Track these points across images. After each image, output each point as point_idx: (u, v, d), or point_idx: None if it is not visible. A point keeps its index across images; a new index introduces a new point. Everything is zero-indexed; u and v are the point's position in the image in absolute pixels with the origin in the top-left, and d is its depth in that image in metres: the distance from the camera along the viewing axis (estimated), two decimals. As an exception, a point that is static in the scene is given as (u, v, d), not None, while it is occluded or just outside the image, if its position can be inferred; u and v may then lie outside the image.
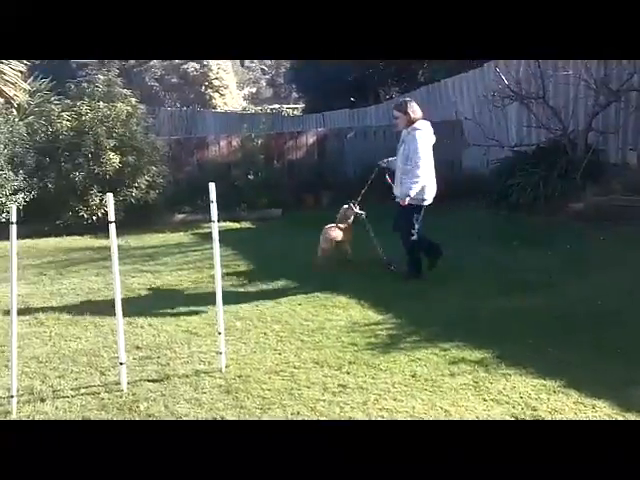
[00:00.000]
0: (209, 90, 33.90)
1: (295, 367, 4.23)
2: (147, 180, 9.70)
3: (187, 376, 4.12)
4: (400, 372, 4.09)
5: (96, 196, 9.12)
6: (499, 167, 10.07)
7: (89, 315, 5.41)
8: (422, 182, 6.02)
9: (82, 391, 3.93)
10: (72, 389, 3.96)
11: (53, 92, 11.64)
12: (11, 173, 8.72)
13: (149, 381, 4.05)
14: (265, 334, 4.89)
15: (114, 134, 9.48)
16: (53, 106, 9.89)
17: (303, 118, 19.65)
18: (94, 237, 8.88)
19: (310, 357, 4.39)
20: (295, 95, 30.19)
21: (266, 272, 6.68)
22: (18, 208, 8.67)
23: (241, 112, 26.24)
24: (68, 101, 10.03)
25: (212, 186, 4.11)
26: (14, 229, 3.59)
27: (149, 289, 6.18)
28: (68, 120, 9.41)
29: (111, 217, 3.91)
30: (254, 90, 44.18)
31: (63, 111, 9.61)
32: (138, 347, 4.60)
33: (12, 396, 3.66)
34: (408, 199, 6.04)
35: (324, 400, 3.74)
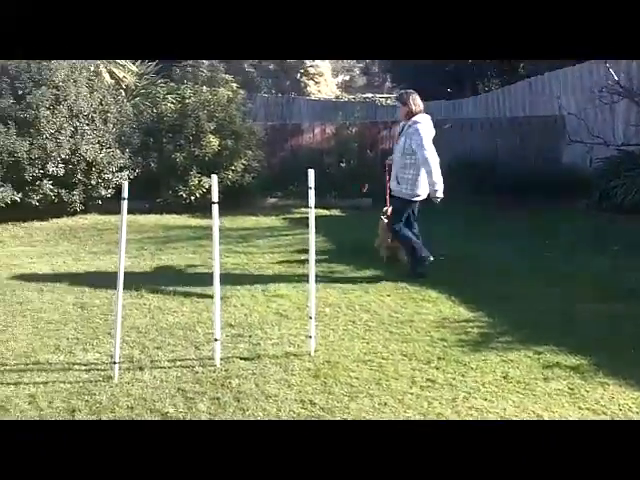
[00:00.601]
0: (304, 78, 34.13)
1: (383, 358, 4.24)
2: (243, 164, 9.93)
3: (277, 357, 4.22)
4: (491, 372, 4.03)
5: (195, 177, 9.42)
6: (603, 166, 9.68)
7: (185, 290, 5.62)
8: (437, 173, 5.91)
9: (178, 363, 4.09)
10: (168, 361, 4.13)
11: (159, 75, 12.05)
12: (118, 151, 9.12)
13: (241, 359, 4.17)
14: (353, 322, 4.93)
15: (214, 118, 9.75)
16: (159, 89, 10.27)
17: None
18: (191, 216, 9.21)
19: (398, 349, 4.40)
20: (389, 84, 29.96)
21: (355, 260, 6.72)
22: (119, 185, 9.10)
23: (334, 100, 26.30)
24: (173, 84, 10.39)
25: (311, 173, 4.17)
26: (125, 205, 3.77)
27: (242, 270, 6.34)
28: (172, 103, 9.75)
29: (214, 198, 4.03)
30: (347, 78, 44.14)
31: (168, 94, 9.97)
32: (231, 325, 4.74)
33: (115, 362, 3.86)
34: (397, 194, 6.15)
35: (412, 393, 3.74)
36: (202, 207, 9.40)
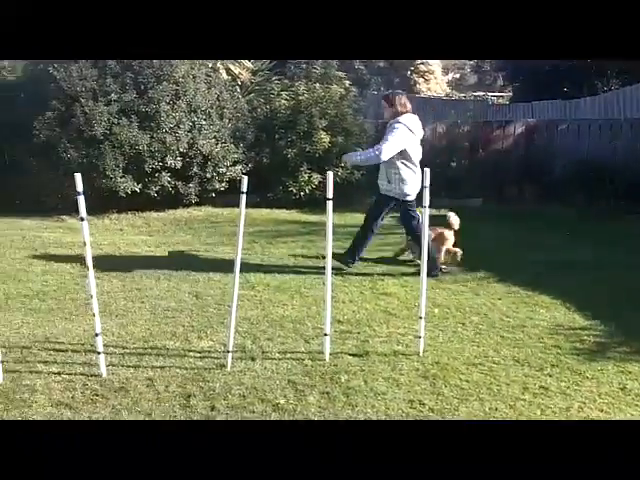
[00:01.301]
0: (414, 75, 33.81)
1: (494, 362, 4.14)
2: (353, 161, 9.96)
3: (385, 355, 4.20)
4: (607, 383, 3.84)
5: (305, 173, 9.55)
6: None
7: (295, 284, 5.71)
8: (367, 161, 6.13)
9: (288, 355, 4.16)
10: (279, 352, 4.21)
11: (273, 72, 12.29)
12: (233, 146, 9.39)
13: (349, 355, 4.18)
14: (463, 324, 4.83)
15: (326, 115, 9.84)
16: (273, 85, 10.47)
17: (510, 107, 18.95)
18: (300, 212, 9.35)
19: (510, 354, 4.27)
20: (500, 83, 29.13)
21: (464, 262, 6.59)
22: (238, 179, 9.36)
23: (444, 98, 25.89)
24: (287, 81, 10.57)
25: (427, 171, 4.12)
26: (244, 198, 3.86)
27: (352, 267, 6.36)
28: (286, 99, 9.92)
29: (329, 194, 4.06)
30: (458, 76, 43.29)
31: (282, 90, 10.15)
32: (339, 321, 4.77)
33: (228, 351, 3.97)
34: (386, 192, 6.17)
35: (524, 400, 3.62)
36: (310, 203, 9.53)
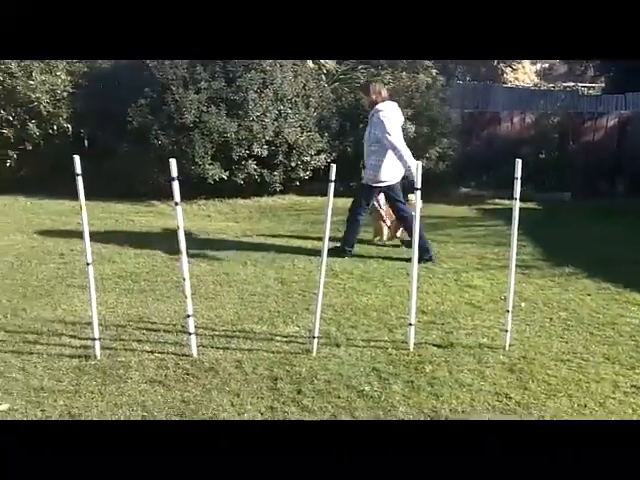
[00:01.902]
0: (501, 64, 32.95)
1: (583, 359, 4.03)
2: (438, 151, 9.86)
3: (470, 347, 4.16)
4: None
5: (389, 162, 9.51)
6: None
7: (378, 274, 5.73)
8: (408, 155, 6.01)
9: (372, 344, 4.18)
10: (363, 340, 4.24)
11: (359, 61, 12.25)
12: (317, 135, 9.45)
13: (434, 345, 4.17)
14: (551, 319, 4.72)
15: (412, 104, 9.76)
16: (359, 74, 10.46)
17: (601, 98, 18.22)
18: (384, 201, 9.32)
19: (600, 351, 4.15)
20: (591, 73, 28.00)
21: (552, 256, 6.44)
22: (322, 168, 9.44)
23: (533, 88, 25.12)
24: (373, 70, 10.53)
25: (518, 163, 4.03)
26: (332, 186, 3.90)
27: (436, 258, 6.31)
28: (371, 88, 9.88)
29: (417, 184, 4.04)
30: (547, 66, 41.91)
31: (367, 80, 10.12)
32: (423, 312, 4.75)
33: (314, 337, 4.03)
34: (367, 180, 6.24)
35: (614, 398, 3.52)
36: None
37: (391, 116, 6.13)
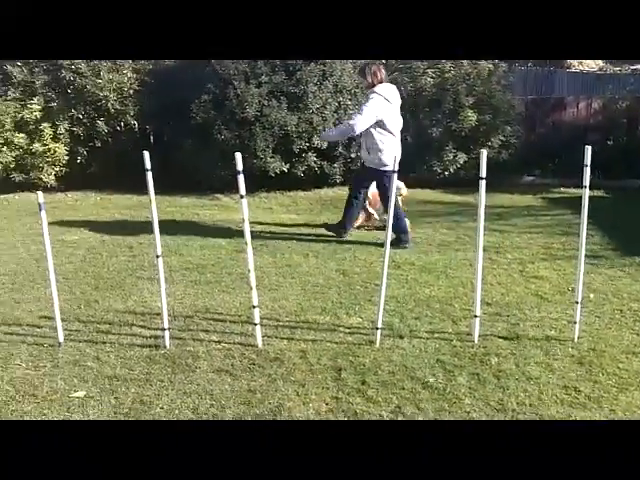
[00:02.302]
0: (566, 48, 32.00)
1: (656, 352, 3.92)
2: (500, 140, 9.67)
3: (537, 339, 4.09)
4: None
5: (450, 152, 9.40)
6: None
7: (441, 265, 5.69)
8: (342, 135, 6.64)
9: (435, 335, 4.17)
10: (426, 332, 4.22)
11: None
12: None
13: (499, 337, 4.12)
14: (621, 311, 4.60)
15: (474, 92, 9.60)
16: (419, 63, 10.33)
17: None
18: (444, 191, 9.23)
19: (674, 344, 4.03)
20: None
21: (622, 246, 6.25)
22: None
23: (598, 72, 24.31)
24: (432, 58, 10.39)
25: (588, 150, 3.92)
26: (395, 177, 3.89)
27: (497, 248, 6.22)
28: (432, 77, 9.77)
29: (482, 173, 3.99)
30: (616, 48, 40.34)
31: (428, 68, 9.99)
32: (488, 303, 4.70)
33: (377, 328, 4.05)
34: (366, 163, 6.32)
35: (690, 393, 3.41)
36: (455, 182, 9.38)
37: (383, 98, 6.09)
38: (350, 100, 9.18)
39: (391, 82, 10.24)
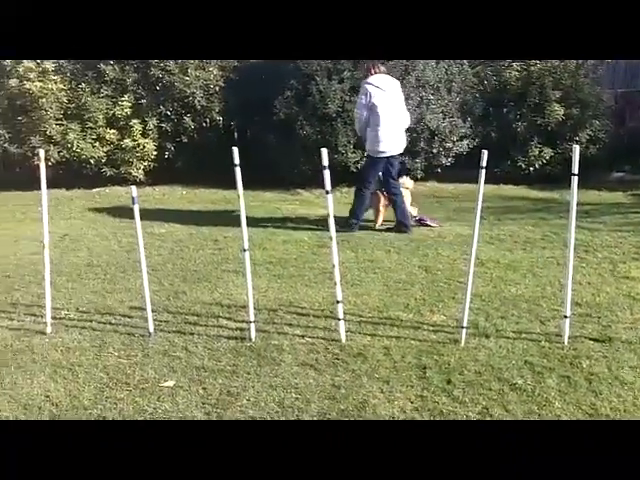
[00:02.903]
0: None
1: None
2: (588, 134, 9.36)
3: (630, 343, 3.94)
4: None
5: (536, 147, 9.16)
6: None
7: (527, 263, 5.55)
8: (359, 128, 6.64)
9: (523, 335, 4.07)
10: (513, 332, 4.13)
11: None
12: (460, 120, 9.28)
13: (590, 339, 3.99)
14: None
15: (560, 85, 9.32)
16: (504, 56, 10.12)
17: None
18: (529, 188, 9.02)
19: None
20: None
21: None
22: (464, 154, 9.26)
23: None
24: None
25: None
26: (483, 173, 3.82)
27: (586, 247, 6.02)
28: (517, 70, 9.54)
29: (575, 169, 3.85)
30: None
31: (513, 61, 9.76)
32: (578, 304, 4.55)
33: (462, 327, 3.99)
34: (368, 151, 6.64)
35: None
36: (540, 178, 9.14)
37: (374, 86, 6.45)
38: (432, 95, 9.08)
39: (474, 75, 10.12)
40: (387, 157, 6.58)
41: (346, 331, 4.11)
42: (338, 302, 4.05)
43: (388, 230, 6.81)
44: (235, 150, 3.90)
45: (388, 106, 6.48)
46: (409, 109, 8.78)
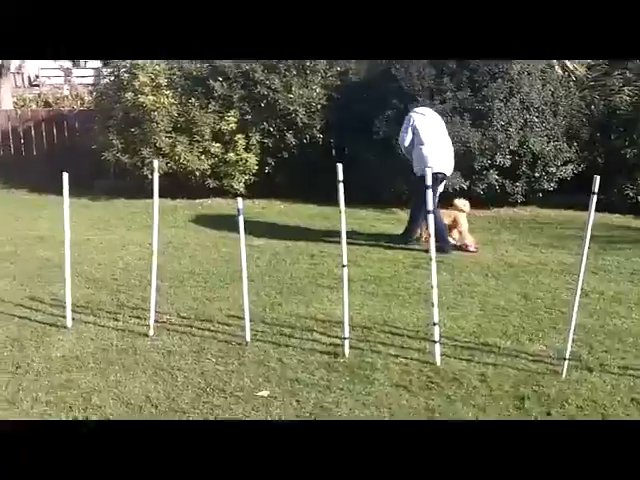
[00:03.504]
0: None
1: None
2: None
3: None
4: None
5: (646, 175, 8.76)
6: None
7: (634, 296, 5.31)
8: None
9: (629, 372, 3.89)
10: (619, 367, 3.95)
11: (612, 66, 11.46)
12: (565, 145, 9.00)
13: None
14: None
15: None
16: (614, 80, 9.75)
17: None
18: (637, 217, 8.60)
19: None
20: None
21: None
22: (567, 180, 8.98)
23: None
24: (630, 75, 9.75)
25: None
26: (594, 199, 3.71)
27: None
28: (628, 95, 9.18)
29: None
30: None
31: (624, 86, 9.41)
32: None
33: (565, 358, 3.85)
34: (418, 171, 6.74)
35: None
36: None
37: (413, 114, 6.93)
38: (537, 117, 8.86)
39: (580, 99, 9.79)
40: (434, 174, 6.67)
41: (441, 354, 4.06)
42: (435, 324, 4.01)
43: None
44: (339, 166, 3.96)
45: (430, 129, 6.87)
46: (512, 131, 8.65)
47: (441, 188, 7.08)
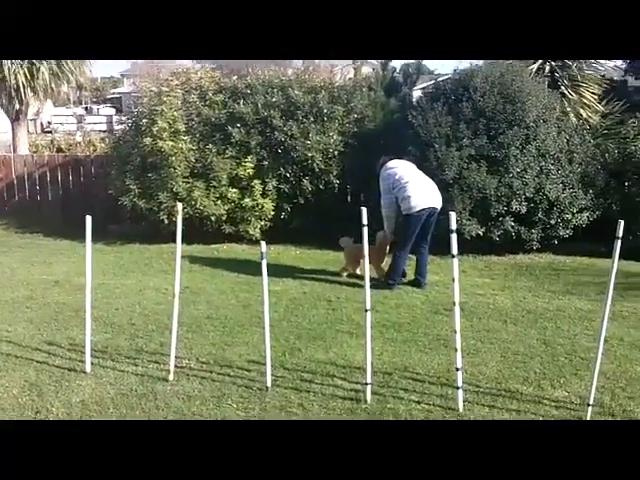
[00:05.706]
0: None
1: None
2: None
3: None
4: None
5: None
6: None
7: (655, 344, 5.27)
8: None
9: None
10: None
11: (627, 115, 11.58)
12: (581, 192, 9.04)
13: None
14: None
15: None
16: (629, 128, 9.86)
17: None
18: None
19: None
20: None
21: None
22: (583, 227, 8.99)
23: None
24: (644, 123, 9.85)
25: None
26: (619, 244, 3.73)
27: None
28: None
29: None
30: None
31: (638, 134, 9.50)
32: None
33: (588, 404, 3.82)
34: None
35: None
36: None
37: (391, 169, 7.15)
38: (553, 164, 8.93)
39: (595, 146, 9.87)
40: (420, 212, 6.89)
41: (463, 401, 4.03)
42: (457, 369, 4.00)
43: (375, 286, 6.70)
44: (364, 210, 4.01)
45: (409, 172, 7.12)
46: (528, 178, 8.70)
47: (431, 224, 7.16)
